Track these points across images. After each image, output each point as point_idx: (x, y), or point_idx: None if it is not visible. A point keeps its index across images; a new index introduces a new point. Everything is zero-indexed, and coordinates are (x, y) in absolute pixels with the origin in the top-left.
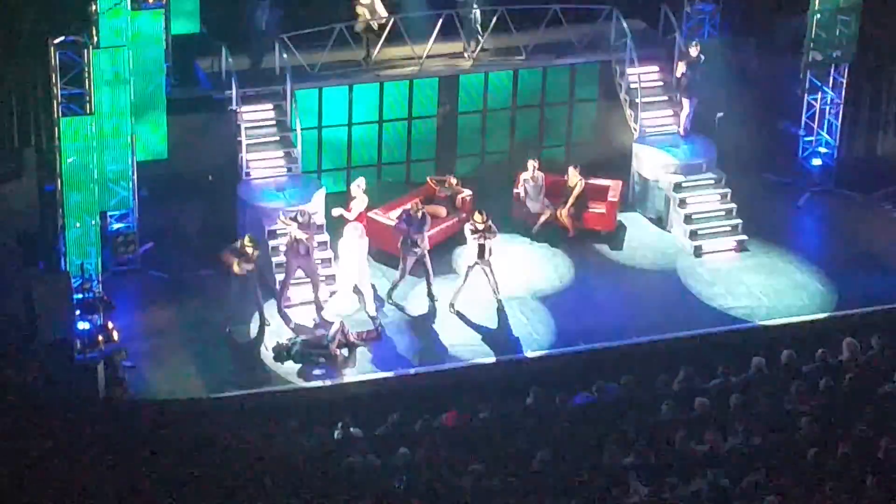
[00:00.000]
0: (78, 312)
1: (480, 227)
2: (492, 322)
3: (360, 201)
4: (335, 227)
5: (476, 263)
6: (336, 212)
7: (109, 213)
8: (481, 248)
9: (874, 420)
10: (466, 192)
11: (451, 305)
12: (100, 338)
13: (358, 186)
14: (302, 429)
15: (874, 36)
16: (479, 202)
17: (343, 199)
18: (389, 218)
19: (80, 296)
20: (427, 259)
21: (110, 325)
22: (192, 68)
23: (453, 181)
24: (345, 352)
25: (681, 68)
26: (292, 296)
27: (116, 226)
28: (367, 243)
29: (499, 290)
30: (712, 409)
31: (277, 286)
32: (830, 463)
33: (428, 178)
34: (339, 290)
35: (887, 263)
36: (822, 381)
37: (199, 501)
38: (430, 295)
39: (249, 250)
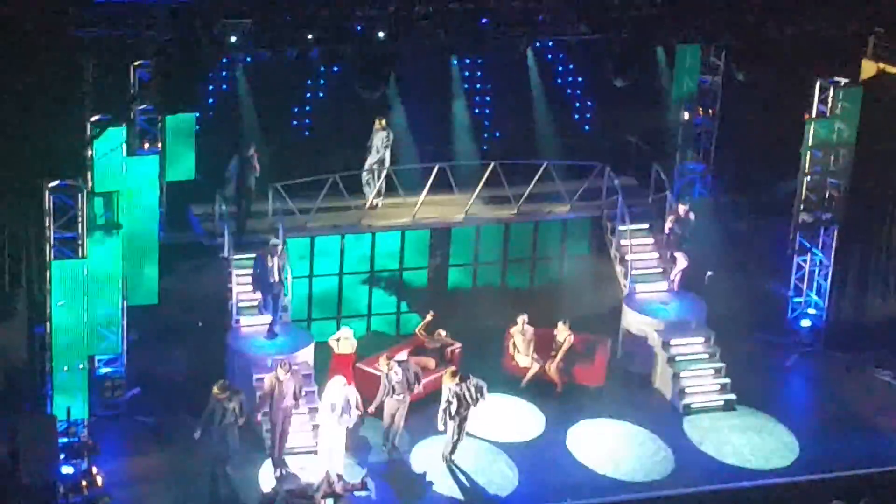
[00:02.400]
0: (63, 456)
1: (457, 389)
2: (479, 475)
3: (345, 345)
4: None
5: (450, 415)
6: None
7: (97, 357)
8: (459, 401)
9: None
10: (456, 345)
11: (445, 457)
12: (83, 483)
13: (346, 338)
14: None
15: (864, 198)
16: (468, 355)
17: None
18: (377, 368)
19: (66, 440)
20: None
21: (94, 470)
22: (185, 214)
23: (443, 333)
24: (330, 502)
25: (670, 225)
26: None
27: (104, 370)
28: (354, 394)
29: (454, 450)
30: None
31: (265, 434)
32: None
33: (417, 330)
34: (319, 446)
35: (874, 427)
36: None
37: None
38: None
39: (220, 396)
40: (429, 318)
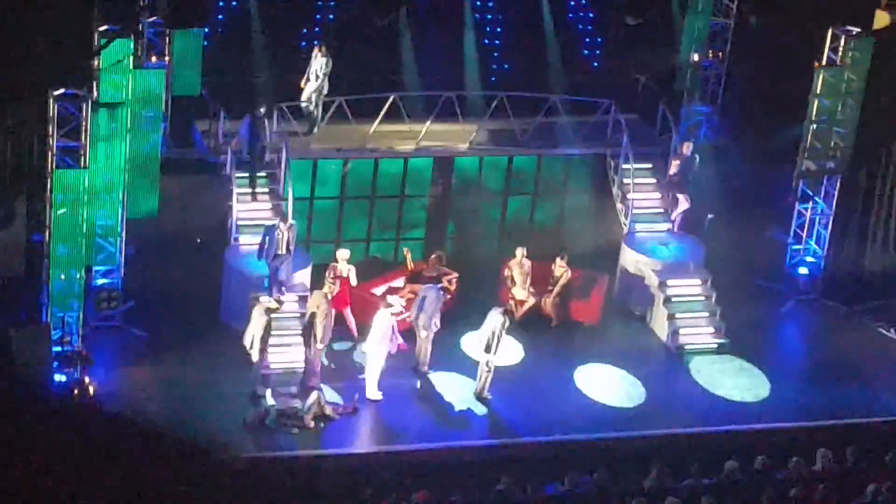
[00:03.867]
0: (56, 365)
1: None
2: (472, 405)
3: (343, 268)
4: None
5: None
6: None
7: (94, 268)
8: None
9: None
10: (454, 275)
11: (479, 393)
12: (76, 392)
13: (343, 260)
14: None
15: (868, 149)
16: (465, 286)
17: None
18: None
19: (59, 349)
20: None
21: (87, 379)
22: (189, 130)
23: (440, 261)
24: (320, 424)
25: (674, 167)
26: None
27: (101, 281)
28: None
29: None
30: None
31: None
32: None
33: (405, 250)
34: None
35: (866, 376)
36: (794, 489)
37: None
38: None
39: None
40: (408, 257)
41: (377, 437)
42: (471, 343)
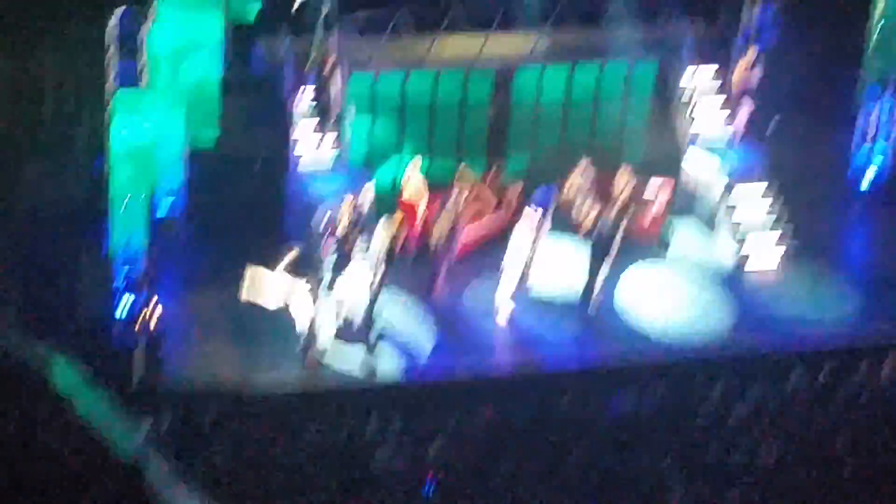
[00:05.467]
0: (122, 290)
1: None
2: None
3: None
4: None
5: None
6: None
7: (157, 194)
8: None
9: None
10: (518, 185)
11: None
12: (140, 316)
13: (414, 166)
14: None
15: None
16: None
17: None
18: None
19: (123, 274)
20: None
21: (152, 304)
22: (249, 50)
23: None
24: None
25: (738, 72)
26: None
27: (163, 206)
28: None
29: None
30: (747, 426)
31: None
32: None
33: (461, 167)
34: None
35: None
36: (860, 402)
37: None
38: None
39: None
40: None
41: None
42: None
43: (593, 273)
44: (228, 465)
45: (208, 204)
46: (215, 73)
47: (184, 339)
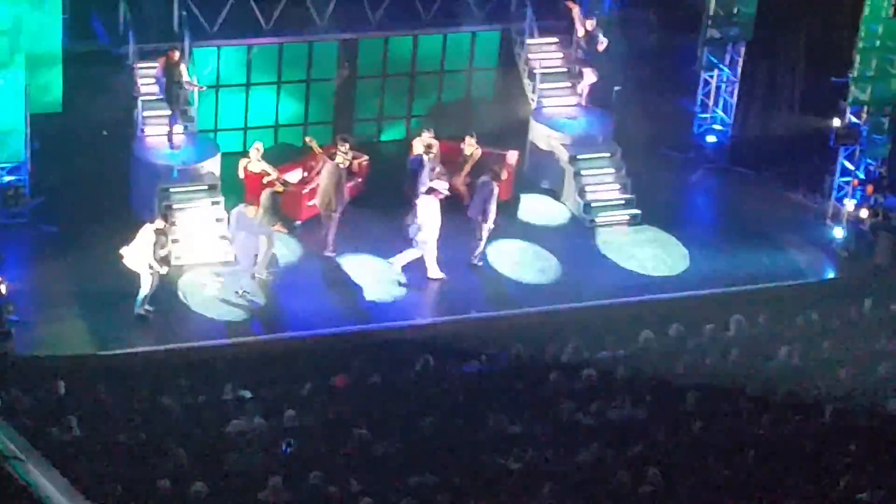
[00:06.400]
0: None
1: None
2: (391, 287)
3: (255, 164)
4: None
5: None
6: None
7: (0, 166)
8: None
9: (758, 396)
10: (363, 158)
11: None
12: None
13: (256, 150)
14: (190, 390)
15: (772, 14)
16: (375, 168)
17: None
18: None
19: None
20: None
21: None
22: (90, 21)
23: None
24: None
25: (579, 40)
26: None
27: (7, 178)
28: None
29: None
30: (599, 381)
31: None
32: (714, 437)
33: (306, 139)
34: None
35: (776, 242)
36: (708, 358)
37: (83, 461)
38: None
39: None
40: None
41: (295, 323)
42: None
43: None
44: (77, 433)
45: (52, 172)
46: (56, 45)
47: (31, 308)
